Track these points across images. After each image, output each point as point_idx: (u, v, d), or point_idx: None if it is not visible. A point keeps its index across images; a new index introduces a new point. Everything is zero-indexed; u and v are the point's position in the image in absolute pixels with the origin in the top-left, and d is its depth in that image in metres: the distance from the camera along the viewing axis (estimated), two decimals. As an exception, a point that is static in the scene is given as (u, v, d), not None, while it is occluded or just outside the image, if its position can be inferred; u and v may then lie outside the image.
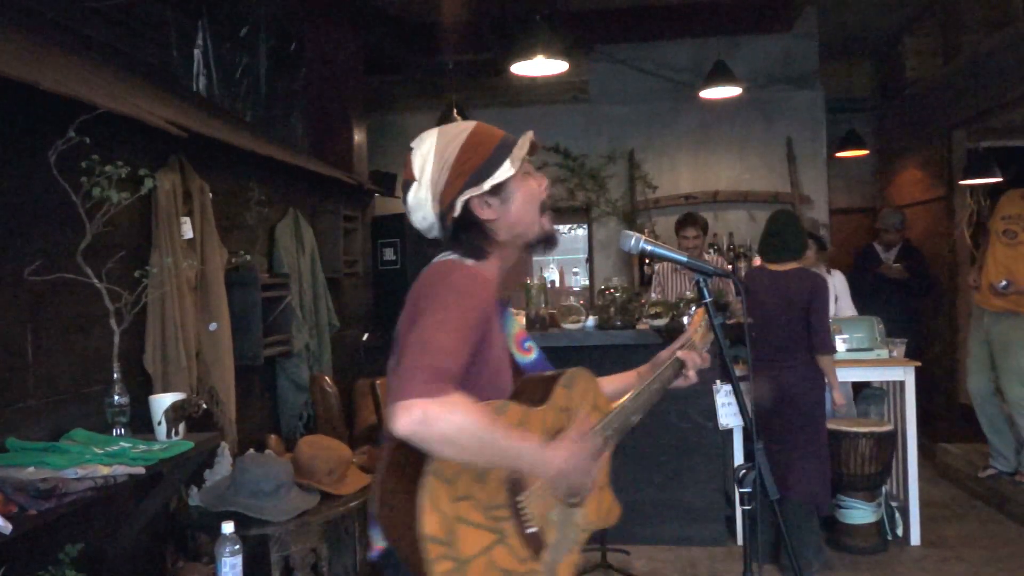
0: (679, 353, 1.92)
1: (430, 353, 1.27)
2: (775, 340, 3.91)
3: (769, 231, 4.04)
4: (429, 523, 1.25)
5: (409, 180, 1.54)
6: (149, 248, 3.17)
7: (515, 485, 1.41)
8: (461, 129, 1.56)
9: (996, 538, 4.41)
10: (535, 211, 1.58)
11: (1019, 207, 4.82)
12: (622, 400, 1.74)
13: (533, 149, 1.60)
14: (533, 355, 1.68)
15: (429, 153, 1.52)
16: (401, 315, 1.46)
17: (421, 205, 1.52)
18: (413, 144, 1.56)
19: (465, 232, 1.51)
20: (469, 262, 1.50)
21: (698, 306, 4.37)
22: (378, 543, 1.41)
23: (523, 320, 4.67)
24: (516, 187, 1.55)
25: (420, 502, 1.25)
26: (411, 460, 1.29)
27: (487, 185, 1.50)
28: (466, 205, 1.50)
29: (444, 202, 1.50)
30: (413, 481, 1.27)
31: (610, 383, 1.88)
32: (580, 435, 1.50)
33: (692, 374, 1.91)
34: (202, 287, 3.49)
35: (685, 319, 2.10)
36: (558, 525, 1.48)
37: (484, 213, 1.51)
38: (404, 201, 1.56)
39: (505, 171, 1.52)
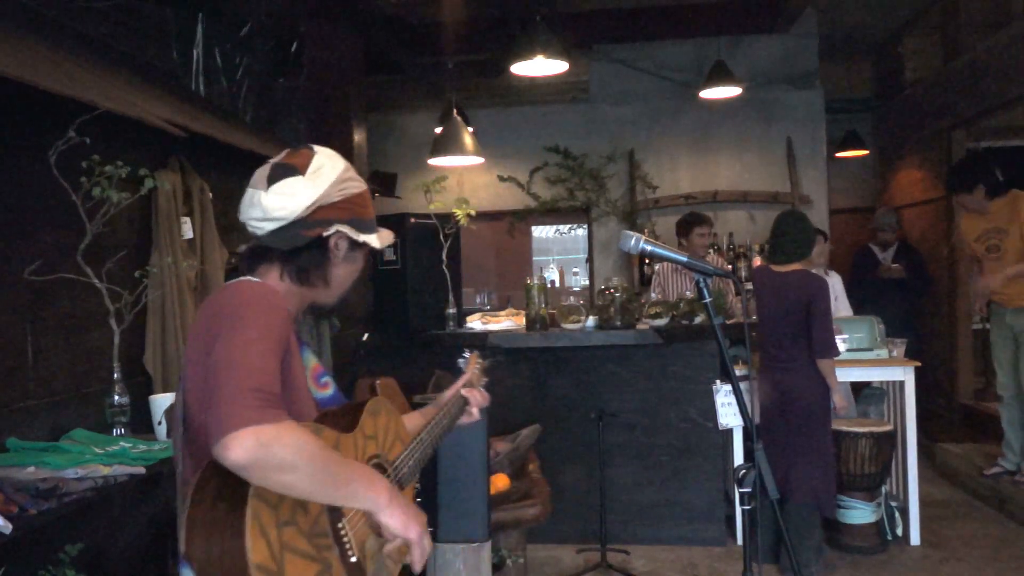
0: (464, 391, 1.97)
1: (251, 375, 1.22)
2: (776, 341, 3.90)
3: (775, 233, 4.00)
4: (258, 551, 1.16)
5: (295, 167, 1.46)
6: (149, 248, 3.18)
7: (334, 511, 1.34)
8: (361, 181, 1.56)
9: (996, 538, 4.41)
10: (348, 287, 1.61)
11: (984, 223, 4.80)
12: (419, 434, 1.71)
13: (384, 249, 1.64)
14: (330, 391, 1.61)
15: (334, 168, 1.49)
16: (195, 333, 1.39)
17: (294, 196, 1.44)
18: (317, 148, 1.52)
19: (311, 253, 1.48)
20: (271, 285, 1.46)
21: (697, 304, 4.38)
22: None
23: (523, 321, 4.67)
24: (360, 260, 1.58)
25: (246, 529, 1.15)
26: (228, 488, 1.19)
27: (360, 237, 1.52)
28: (335, 233, 1.49)
29: (316, 214, 1.46)
30: (235, 509, 1.17)
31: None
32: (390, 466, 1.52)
33: (475, 411, 1.97)
34: (202, 287, 3.50)
35: (460, 362, 2.14)
36: (373, 556, 1.41)
37: (334, 251, 1.51)
38: (269, 178, 1.46)
39: (373, 240, 1.55)
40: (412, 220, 6.40)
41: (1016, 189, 4.75)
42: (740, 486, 1.92)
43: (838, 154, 7.76)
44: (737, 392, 1.97)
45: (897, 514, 4.35)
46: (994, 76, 5.55)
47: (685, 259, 1.88)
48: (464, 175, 6.97)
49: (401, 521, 1.36)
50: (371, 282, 6.07)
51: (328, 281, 1.52)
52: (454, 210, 4.63)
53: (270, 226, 1.45)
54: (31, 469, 2.23)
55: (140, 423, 2.86)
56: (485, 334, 4.45)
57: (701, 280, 1.90)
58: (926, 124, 6.79)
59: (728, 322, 4.59)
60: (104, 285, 2.76)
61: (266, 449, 1.16)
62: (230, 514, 1.17)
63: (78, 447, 2.46)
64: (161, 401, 2.80)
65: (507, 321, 4.75)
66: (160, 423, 2.78)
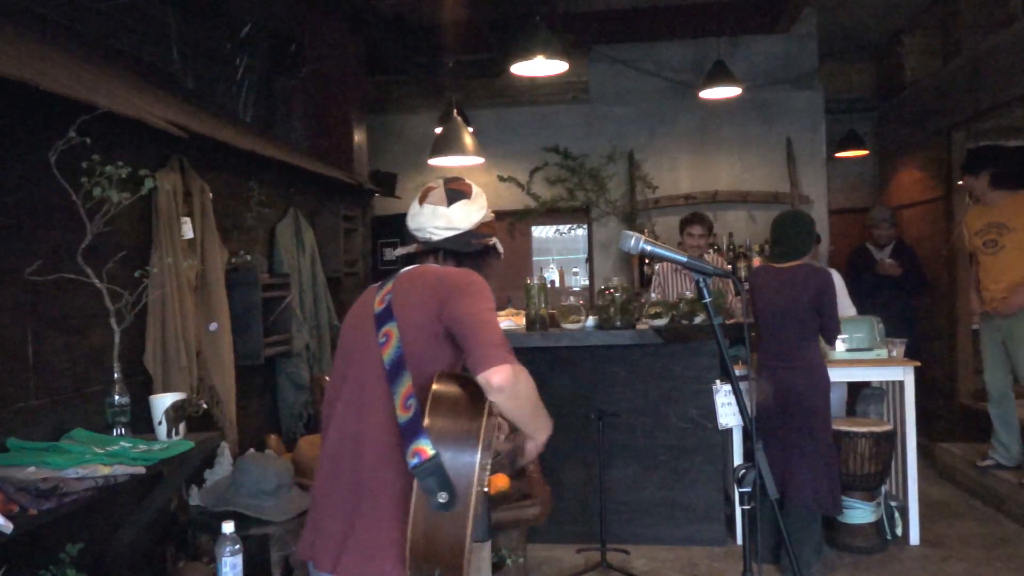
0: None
1: (498, 330, 1.75)
2: (781, 339, 3.89)
3: (777, 231, 4.00)
4: (486, 429, 1.65)
5: (464, 192, 2.01)
6: (149, 248, 3.18)
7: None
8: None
9: (995, 538, 4.42)
10: None
11: (985, 217, 4.89)
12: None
13: None
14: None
15: (482, 196, 2.06)
16: (414, 298, 1.85)
17: (467, 215, 1.98)
18: (470, 182, 2.07)
19: (479, 256, 2.03)
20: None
21: (697, 304, 4.38)
22: (428, 450, 1.63)
23: (523, 321, 4.67)
24: (492, 266, 2.11)
25: (482, 414, 1.67)
26: (467, 394, 1.70)
27: (500, 249, 2.11)
28: (494, 244, 2.07)
29: (482, 228, 2.02)
30: (475, 413, 1.67)
31: None
32: None
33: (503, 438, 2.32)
34: (202, 287, 3.50)
35: None
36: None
37: (490, 257, 2.07)
38: (441, 198, 1.99)
39: (501, 252, 2.12)
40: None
41: None
42: (740, 486, 1.92)
43: (838, 154, 7.75)
44: (737, 392, 1.97)
45: (897, 514, 4.35)
46: (994, 76, 5.55)
47: (685, 259, 1.88)
48: (464, 175, 6.95)
49: (535, 455, 2.00)
50: (371, 282, 6.08)
51: (488, 276, 1.99)
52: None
53: (448, 233, 1.97)
54: (31, 469, 2.23)
55: (140, 423, 2.86)
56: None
57: (701, 280, 1.90)
58: (926, 124, 6.79)
59: (728, 322, 4.59)
60: (104, 285, 2.76)
61: (517, 379, 1.71)
62: (472, 402, 1.70)
63: (78, 447, 2.46)
64: (161, 401, 2.80)
65: (507, 321, 4.75)
66: (160, 423, 2.78)
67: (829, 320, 3.86)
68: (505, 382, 1.67)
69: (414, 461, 1.63)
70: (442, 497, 1.59)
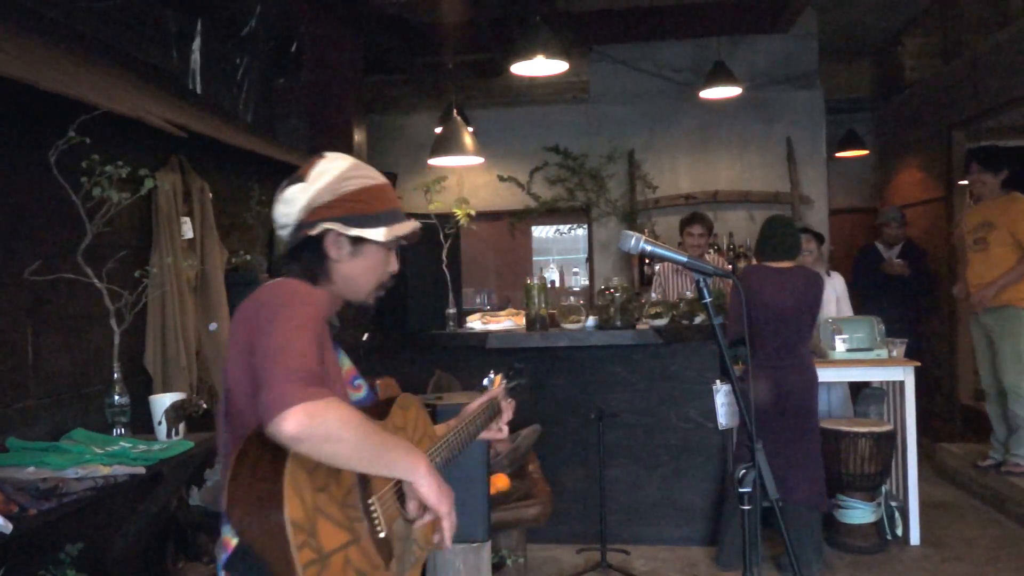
0: (504, 403, 2.04)
1: (297, 358, 1.30)
2: (780, 339, 3.90)
3: (772, 233, 4.05)
4: (293, 508, 1.25)
5: (302, 176, 1.57)
6: (149, 248, 3.17)
7: (365, 488, 1.43)
8: (373, 175, 1.61)
9: (996, 538, 4.41)
10: (371, 283, 1.63)
11: (980, 215, 4.96)
12: (447, 434, 1.77)
13: (411, 239, 1.66)
14: (363, 392, 1.68)
15: (334, 170, 1.56)
16: (236, 332, 1.46)
17: (294, 202, 1.55)
18: (328, 154, 1.60)
19: (306, 253, 1.55)
20: (302, 283, 1.52)
21: (697, 304, 4.38)
22: (231, 540, 1.38)
23: (523, 321, 4.67)
24: (372, 253, 1.59)
25: (284, 487, 1.25)
26: (268, 452, 1.29)
27: (352, 232, 1.54)
28: (323, 232, 1.53)
29: (311, 216, 1.54)
30: (274, 470, 1.27)
31: None
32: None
33: (503, 426, 2.02)
34: (202, 287, 3.50)
35: (485, 382, 2.19)
36: (401, 538, 1.48)
37: (331, 250, 1.55)
38: (281, 188, 1.59)
39: (374, 234, 1.56)
40: (412, 220, 6.42)
41: (1016, 191, 4.81)
42: (740, 486, 1.92)
43: (838, 154, 7.75)
44: (736, 392, 1.96)
45: (897, 514, 4.35)
46: (994, 76, 5.55)
47: (685, 259, 1.88)
48: (464, 175, 6.97)
49: (435, 492, 1.44)
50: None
51: (332, 278, 1.56)
52: (454, 210, 4.63)
53: (283, 232, 1.57)
54: (31, 469, 2.23)
55: (140, 423, 2.86)
56: (485, 334, 4.45)
57: (701, 280, 1.90)
58: (926, 124, 6.79)
59: (728, 322, 4.57)
60: (104, 285, 2.76)
61: (316, 422, 1.24)
62: (269, 475, 1.27)
63: (78, 447, 2.46)
64: (161, 401, 2.80)
65: (507, 321, 4.75)
66: (160, 423, 2.78)
67: (815, 321, 4.02)
68: (298, 429, 1.23)
69: (222, 558, 1.39)
70: None
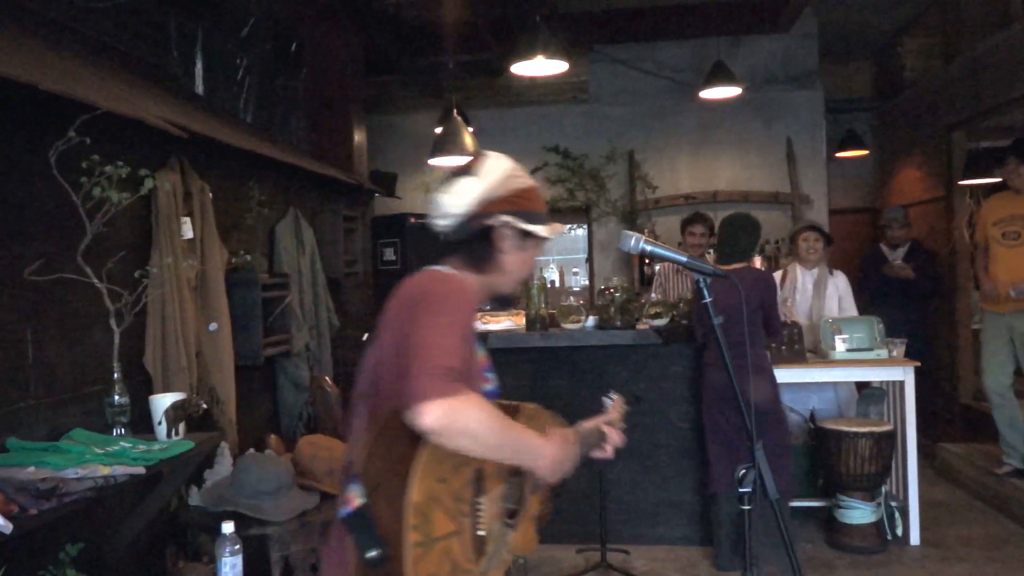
0: (603, 427, 2.05)
1: (444, 354, 1.40)
2: (735, 340, 3.95)
3: (730, 233, 4.10)
4: (418, 491, 1.34)
5: (470, 169, 1.67)
6: (149, 248, 3.17)
7: (479, 486, 1.50)
8: (529, 178, 1.73)
9: (996, 538, 4.41)
10: (523, 275, 1.77)
11: (1010, 208, 4.81)
12: None
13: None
14: (491, 385, 1.76)
15: (502, 168, 1.67)
16: (392, 313, 1.56)
17: (466, 194, 1.64)
18: (491, 153, 1.71)
19: (480, 243, 1.65)
20: (460, 275, 1.62)
21: (696, 302, 4.38)
22: (356, 500, 1.44)
23: (523, 321, 4.67)
24: (531, 248, 1.71)
25: (414, 469, 1.34)
26: (407, 433, 1.38)
27: (525, 225, 1.65)
28: (500, 224, 1.64)
29: (485, 208, 1.63)
30: (409, 452, 1.36)
31: None
32: (567, 434, 1.68)
33: (610, 449, 2.04)
34: (202, 287, 3.50)
35: (606, 401, 2.21)
36: (496, 539, 1.55)
37: (502, 242, 1.65)
38: (449, 180, 1.68)
39: (541, 231, 1.68)
40: (412, 220, 6.41)
41: None
42: (740, 486, 1.92)
43: (838, 154, 7.75)
44: (736, 392, 1.97)
45: (897, 514, 4.35)
46: (994, 76, 5.55)
47: (685, 259, 1.88)
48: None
49: (567, 468, 1.60)
50: (371, 282, 6.08)
51: (502, 268, 1.67)
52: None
53: (448, 222, 1.65)
54: (31, 469, 2.23)
55: (140, 423, 2.86)
56: (485, 334, 4.44)
57: (701, 280, 1.90)
58: (926, 124, 6.79)
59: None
60: (104, 285, 2.76)
61: (453, 417, 1.34)
62: (405, 456, 1.37)
63: (78, 447, 2.46)
64: (161, 401, 2.80)
65: (507, 321, 4.75)
66: (160, 423, 2.78)
67: (775, 320, 4.00)
68: (437, 423, 1.33)
69: (342, 511, 1.45)
70: (372, 553, 1.37)
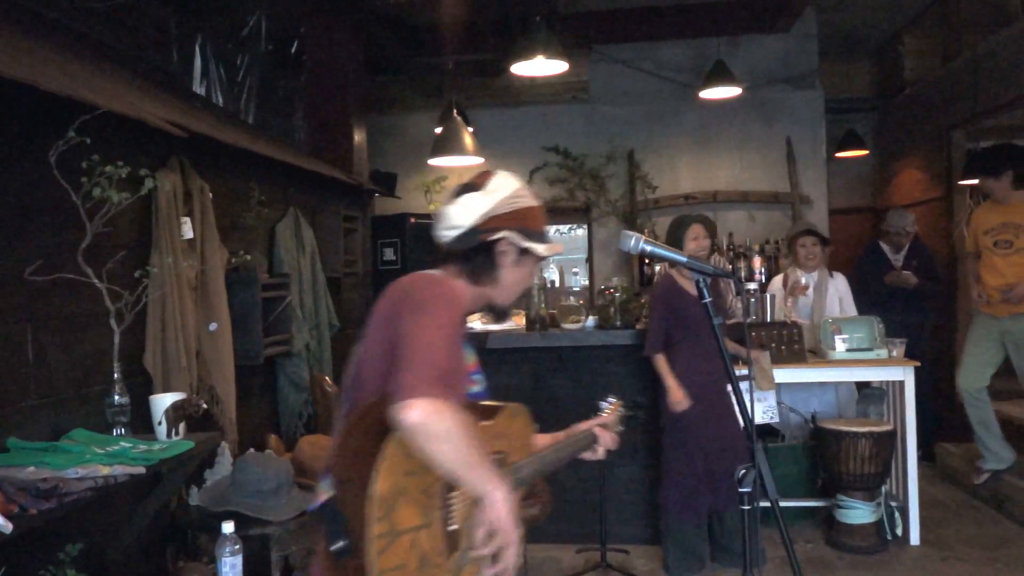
0: (596, 429, 2.10)
1: (435, 354, 1.44)
2: (692, 343, 3.99)
3: (669, 238, 4.12)
4: (384, 483, 1.36)
5: (478, 185, 1.75)
6: (149, 248, 3.17)
7: (451, 482, 1.51)
8: (534, 198, 1.80)
9: (996, 538, 4.41)
10: (520, 290, 1.83)
11: (999, 216, 4.74)
12: (545, 449, 1.90)
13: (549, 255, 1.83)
14: (479, 387, 1.80)
15: (509, 186, 1.75)
16: (380, 312, 1.60)
17: (472, 208, 1.71)
18: (499, 172, 1.79)
19: (480, 256, 1.72)
20: (451, 280, 1.68)
21: (703, 299, 4.38)
22: (325, 494, 1.47)
23: (523, 321, 4.68)
24: (529, 265, 1.78)
25: (379, 463, 1.36)
26: (379, 426, 1.40)
27: (525, 244, 1.73)
28: (501, 239, 1.71)
29: (489, 223, 1.71)
30: (378, 445, 1.38)
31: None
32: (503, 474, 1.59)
33: (602, 451, 2.09)
34: (202, 287, 3.49)
35: (603, 405, 2.26)
36: (469, 536, 1.55)
37: (501, 256, 1.73)
38: (456, 194, 1.76)
39: (540, 249, 1.76)
40: (412, 220, 6.41)
41: None
42: (740, 486, 1.92)
43: (838, 154, 7.75)
44: (737, 392, 1.97)
45: (897, 514, 4.35)
46: (994, 76, 5.55)
47: (685, 259, 1.88)
48: (464, 175, 6.96)
49: (504, 518, 1.49)
50: (371, 282, 6.08)
51: (498, 281, 1.74)
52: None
53: (452, 233, 1.72)
54: (31, 469, 2.23)
55: (140, 423, 2.86)
56: (485, 334, 4.45)
57: (701, 280, 1.90)
58: (926, 124, 6.79)
59: (728, 322, 4.58)
60: (104, 285, 2.76)
61: (434, 418, 1.36)
62: (373, 449, 1.38)
63: (78, 447, 2.46)
64: (161, 401, 2.80)
65: (507, 321, 4.75)
66: (160, 423, 2.78)
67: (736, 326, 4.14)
68: (417, 420, 1.35)
69: (311, 505, 1.50)
70: (338, 544, 1.40)
